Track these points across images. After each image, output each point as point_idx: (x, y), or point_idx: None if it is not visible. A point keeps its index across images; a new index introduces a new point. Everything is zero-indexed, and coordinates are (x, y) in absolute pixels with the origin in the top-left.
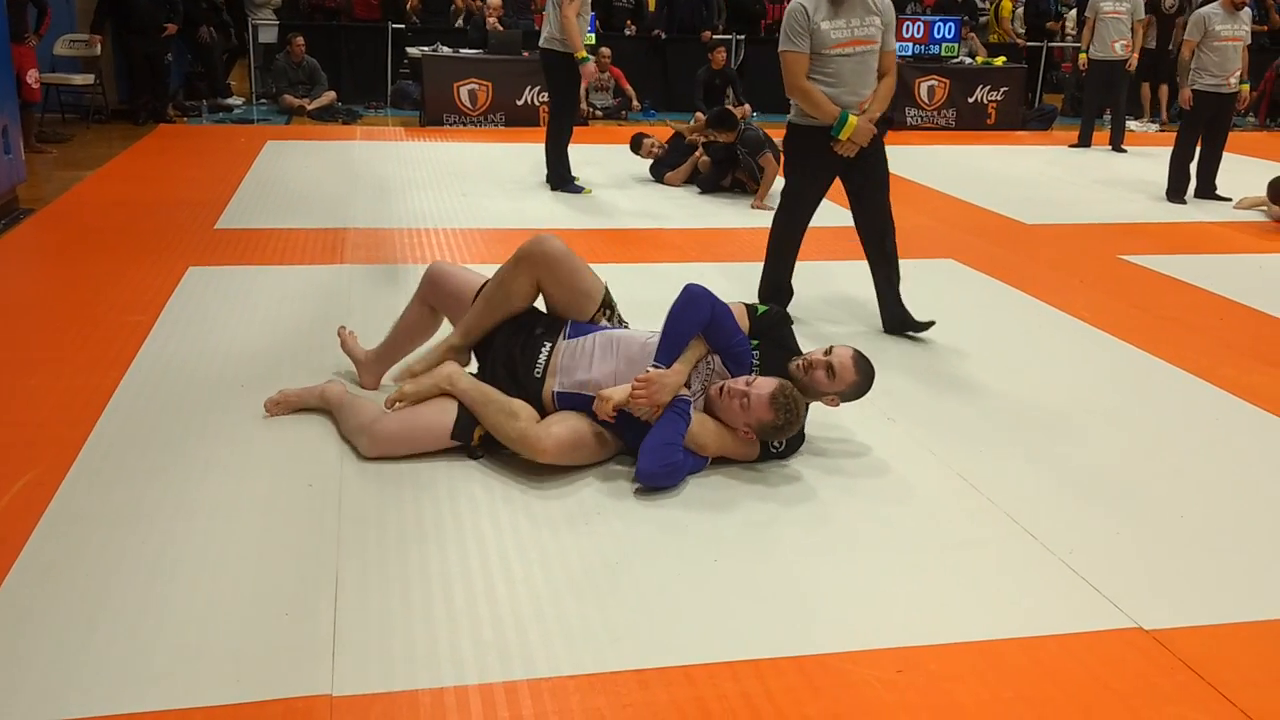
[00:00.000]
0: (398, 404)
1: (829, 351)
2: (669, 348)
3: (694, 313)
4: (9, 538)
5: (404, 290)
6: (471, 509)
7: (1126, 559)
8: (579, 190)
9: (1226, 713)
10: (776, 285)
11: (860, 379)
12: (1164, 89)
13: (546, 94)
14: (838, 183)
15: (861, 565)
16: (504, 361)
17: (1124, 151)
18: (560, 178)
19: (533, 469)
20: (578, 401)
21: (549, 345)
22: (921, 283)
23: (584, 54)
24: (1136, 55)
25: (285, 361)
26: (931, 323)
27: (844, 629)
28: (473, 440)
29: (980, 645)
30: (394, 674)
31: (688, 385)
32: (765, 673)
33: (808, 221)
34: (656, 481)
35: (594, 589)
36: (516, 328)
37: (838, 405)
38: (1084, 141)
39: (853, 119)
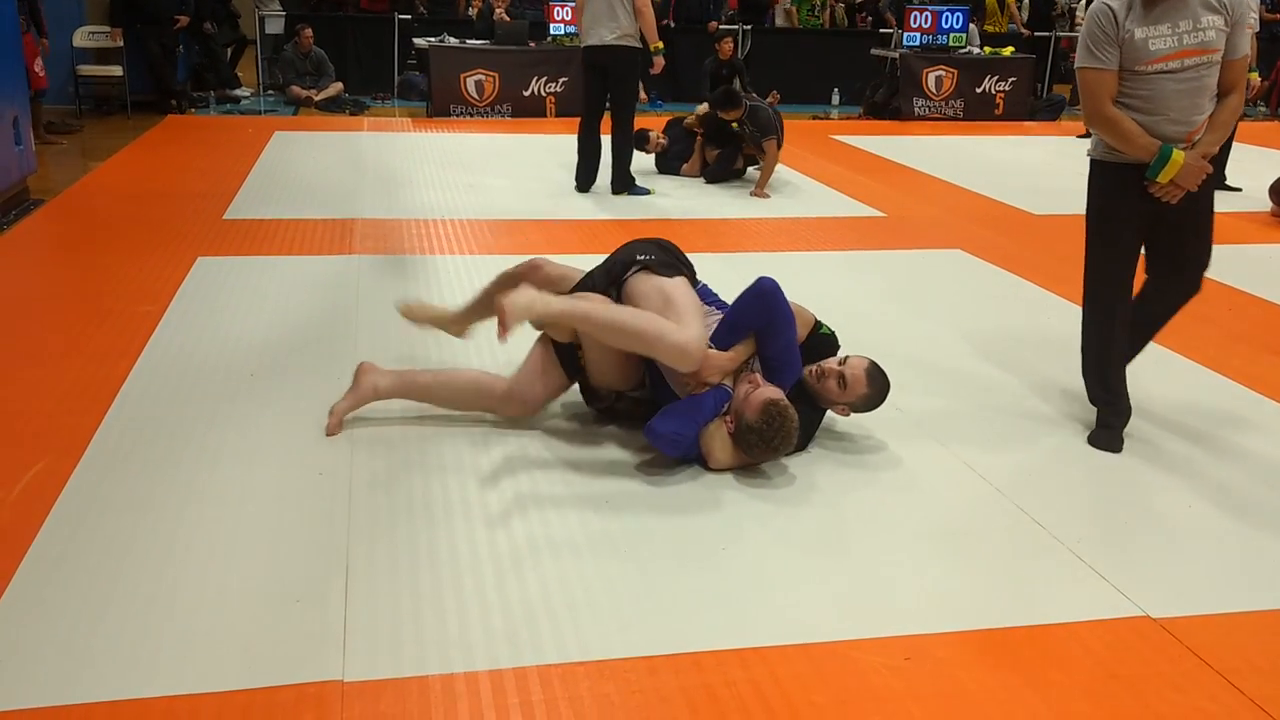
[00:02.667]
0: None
1: (844, 361)
2: (727, 334)
3: (756, 314)
4: (22, 526)
5: (412, 280)
6: (481, 497)
7: (1134, 548)
8: (646, 192)
9: (1234, 700)
10: (1111, 389)
11: (871, 392)
12: None
13: (613, 94)
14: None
15: (869, 554)
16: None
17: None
18: (630, 180)
19: (543, 454)
20: None
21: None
22: (930, 273)
23: (661, 45)
24: None
25: (294, 351)
26: (1119, 445)
27: (852, 617)
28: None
29: (988, 633)
30: (405, 660)
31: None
32: (773, 660)
33: (1129, 293)
34: (657, 443)
35: (603, 576)
36: (606, 272)
37: (848, 415)
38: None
39: (1178, 155)
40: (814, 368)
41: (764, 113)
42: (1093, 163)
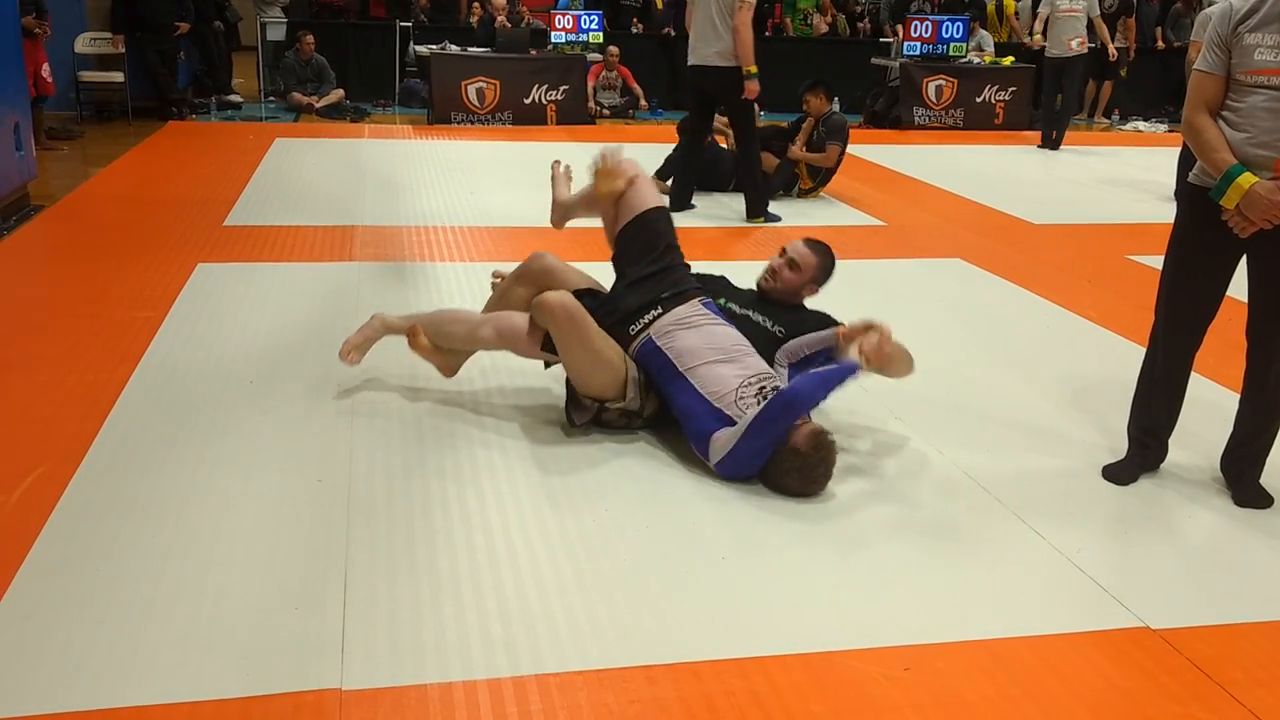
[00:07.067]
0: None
1: (782, 252)
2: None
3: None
4: (21, 531)
5: (412, 287)
6: (480, 505)
7: (1134, 558)
8: (777, 219)
9: (1234, 713)
10: (1145, 429)
11: (821, 258)
12: (1107, 86)
13: (729, 116)
14: None
15: (868, 563)
16: (615, 305)
17: (1054, 150)
18: (765, 206)
19: (543, 462)
20: (656, 359)
21: (660, 311)
22: (929, 282)
23: (754, 69)
24: (1115, 48)
25: (293, 358)
26: (1127, 480)
27: (851, 627)
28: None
29: (987, 644)
30: (403, 668)
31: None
32: (772, 670)
33: (1195, 339)
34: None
35: (602, 585)
36: (642, 282)
37: (817, 293)
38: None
39: (1244, 179)
40: (764, 275)
41: (838, 117)
42: (1186, 187)
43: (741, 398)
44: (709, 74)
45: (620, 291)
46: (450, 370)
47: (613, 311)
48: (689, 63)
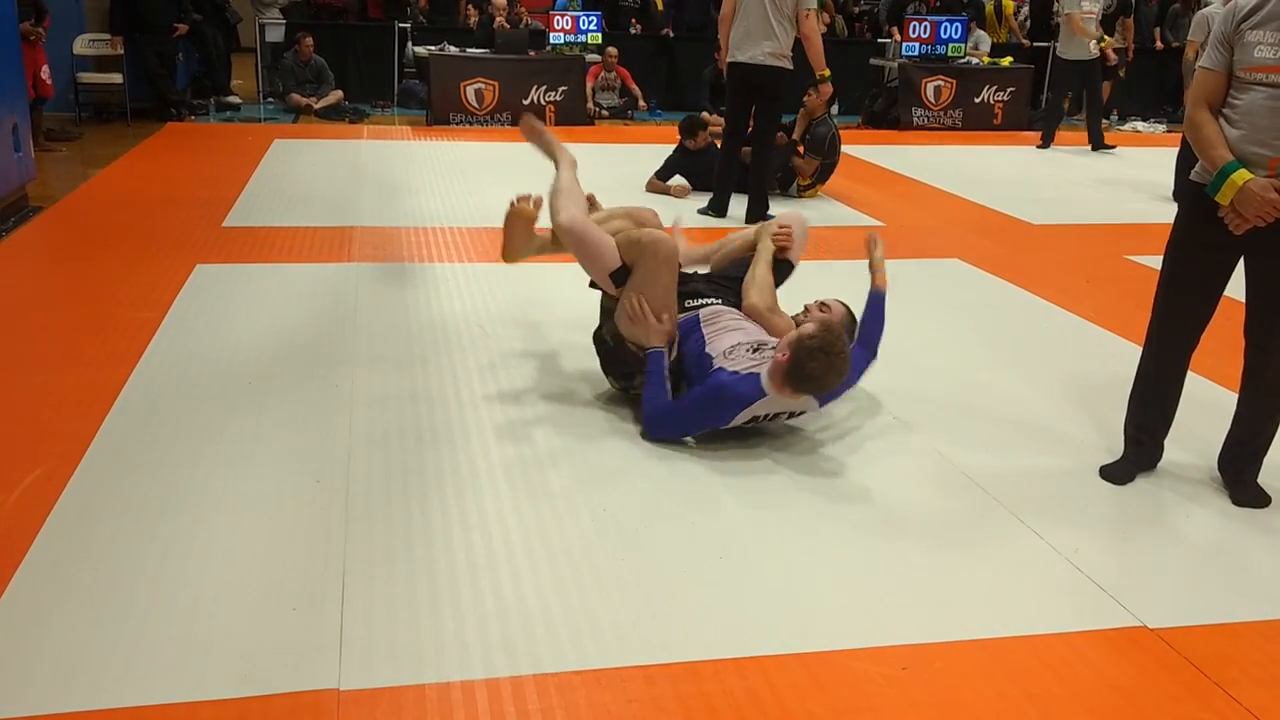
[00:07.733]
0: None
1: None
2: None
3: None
4: (19, 532)
5: (411, 287)
6: (478, 505)
7: (1132, 558)
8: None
9: (1232, 711)
10: (1141, 426)
11: (847, 309)
12: (1106, 87)
13: (758, 117)
14: None
15: (867, 563)
16: (687, 278)
17: (1106, 149)
18: (766, 208)
19: (540, 463)
20: (689, 324)
21: (720, 302)
22: (928, 283)
23: (827, 72)
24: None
25: (292, 359)
26: (1125, 479)
27: (849, 626)
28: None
29: (986, 643)
30: (401, 669)
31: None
32: (771, 669)
33: (1192, 339)
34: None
35: (600, 585)
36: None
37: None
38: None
39: (1239, 175)
40: (800, 314)
41: (826, 127)
42: (1187, 184)
43: (732, 352)
44: (758, 72)
45: (697, 277)
46: (513, 254)
47: (683, 283)
48: (733, 59)
